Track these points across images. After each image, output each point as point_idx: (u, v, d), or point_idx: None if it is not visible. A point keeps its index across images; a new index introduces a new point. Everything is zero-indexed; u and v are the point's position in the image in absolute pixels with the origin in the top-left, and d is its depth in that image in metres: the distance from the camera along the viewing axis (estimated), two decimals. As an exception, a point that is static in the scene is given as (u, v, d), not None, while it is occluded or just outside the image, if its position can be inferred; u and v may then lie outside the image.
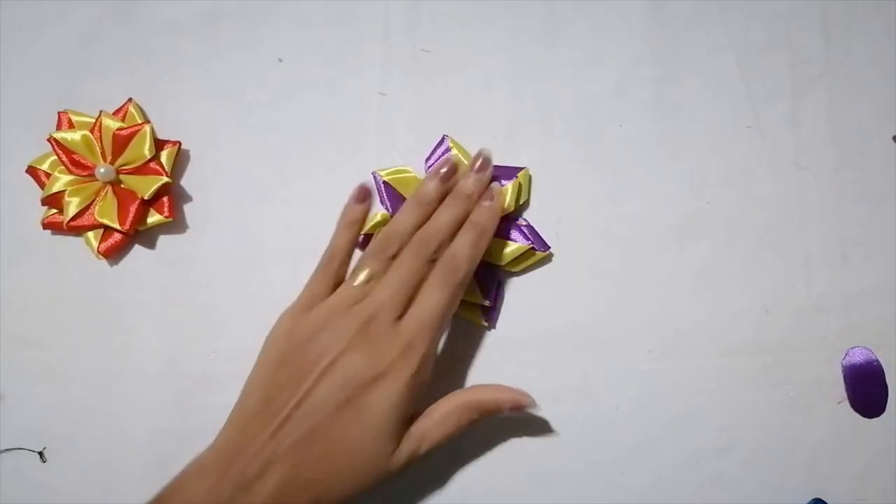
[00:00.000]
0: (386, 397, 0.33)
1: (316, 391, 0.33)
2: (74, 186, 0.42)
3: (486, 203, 0.38)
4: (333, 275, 0.37)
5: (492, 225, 0.38)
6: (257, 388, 0.35)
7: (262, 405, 0.34)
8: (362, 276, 0.36)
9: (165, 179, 0.41)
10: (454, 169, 0.39)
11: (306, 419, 0.33)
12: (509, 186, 0.41)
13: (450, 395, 0.37)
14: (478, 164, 0.39)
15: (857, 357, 0.41)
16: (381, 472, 0.33)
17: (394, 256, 0.36)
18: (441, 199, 0.38)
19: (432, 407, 0.36)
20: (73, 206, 0.41)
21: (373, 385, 0.33)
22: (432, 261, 0.36)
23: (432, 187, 0.38)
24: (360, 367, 0.33)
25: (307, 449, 0.32)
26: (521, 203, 0.41)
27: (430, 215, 0.38)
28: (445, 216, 0.37)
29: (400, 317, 0.35)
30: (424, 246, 0.36)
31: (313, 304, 0.36)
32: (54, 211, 0.42)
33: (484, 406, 0.37)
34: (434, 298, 0.35)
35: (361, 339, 0.34)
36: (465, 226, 0.38)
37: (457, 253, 0.36)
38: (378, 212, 0.42)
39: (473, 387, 0.38)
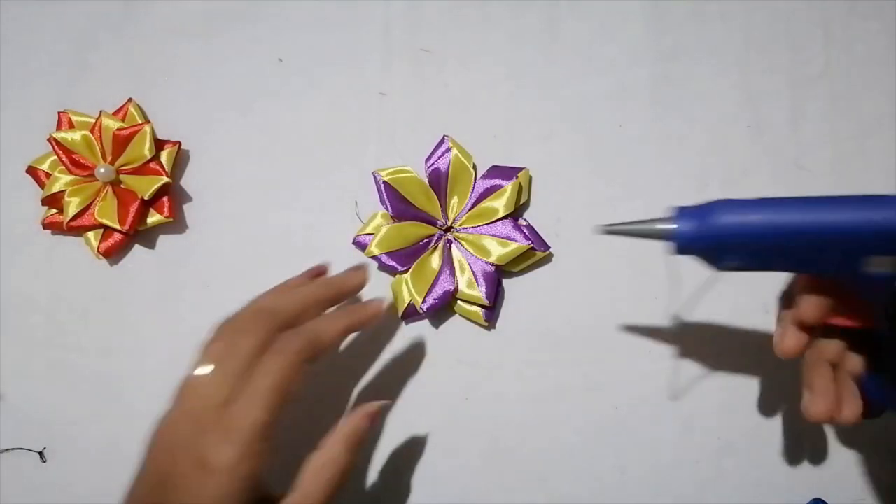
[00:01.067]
0: (207, 494, 0.29)
1: (152, 495, 0.31)
2: (74, 186, 0.42)
3: (374, 303, 0.36)
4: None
5: (362, 320, 0.35)
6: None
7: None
8: (202, 369, 0.32)
9: (165, 179, 0.41)
10: (322, 271, 0.38)
11: None
12: (509, 186, 0.41)
13: (309, 457, 0.32)
14: (352, 267, 0.38)
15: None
16: None
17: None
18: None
19: (299, 476, 0.31)
20: (73, 206, 0.41)
21: (197, 483, 0.29)
22: (266, 329, 0.32)
23: (293, 277, 0.37)
24: (180, 464, 0.30)
25: None
26: (521, 203, 0.41)
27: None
28: (294, 292, 0.35)
29: (232, 390, 0.31)
30: (257, 316, 0.33)
31: None
32: (54, 211, 0.42)
33: (343, 447, 0.32)
34: (264, 372, 0.31)
35: (190, 432, 0.30)
36: (335, 311, 0.36)
37: (307, 326, 0.33)
38: (378, 211, 0.42)
39: (324, 439, 0.33)
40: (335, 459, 0.32)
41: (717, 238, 0.28)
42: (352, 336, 0.41)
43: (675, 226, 0.28)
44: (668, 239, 0.28)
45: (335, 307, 0.36)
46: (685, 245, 0.28)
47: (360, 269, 0.38)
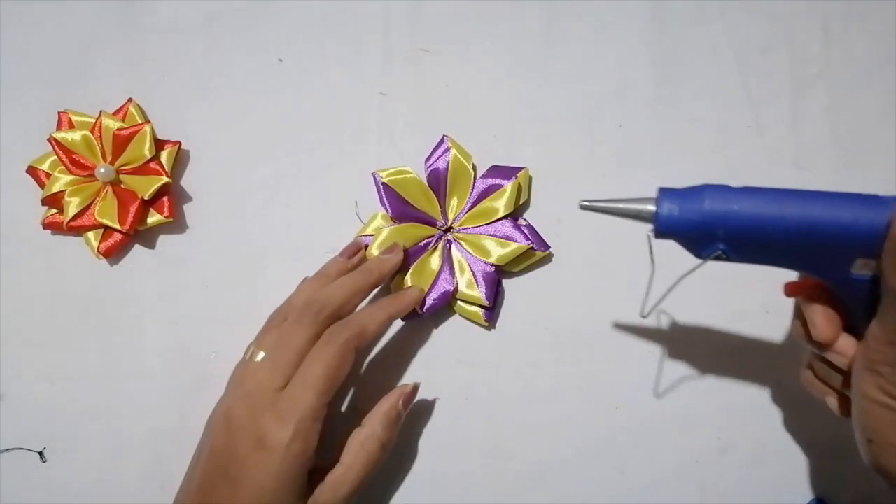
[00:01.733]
0: (267, 471, 0.33)
1: (211, 472, 0.34)
2: (74, 186, 0.42)
3: (411, 290, 0.39)
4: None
5: (402, 308, 0.39)
6: (189, 470, 0.36)
7: (182, 494, 0.35)
8: (258, 356, 0.36)
9: (165, 179, 0.41)
10: (358, 248, 0.40)
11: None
12: (509, 186, 0.41)
13: (352, 434, 0.36)
14: (386, 247, 0.40)
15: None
16: None
17: None
18: (342, 274, 0.39)
19: (343, 452, 0.36)
20: (73, 206, 0.41)
21: (253, 458, 0.33)
22: (317, 323, 0.36)
23: (332, 261, 0.40)
24: (239, 443, 0.33)
25: None
26: (521, 203, 0.41)
27: None
28: (339, 283, 0.38)
29: (286, 379, 0.34)
30: (306, 307, 0.36)
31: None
32: (54, 211, 0.42)
33: (381, 425, 0.36)
34: (315, 360, 0.34)
35: (242, 415, 0.34)
36: (377, 301, 0.38)
37: (354, 318, 0.36)
38: (378, 212, 0.42)
39: (366, 417, 0.37)
40: (374, 436, 0.36)
41: (699, 224, 0.27)
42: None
43: (656, 208, 0.27)
44: (648, 220, 0.27)
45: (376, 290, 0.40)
46: (665, 228, 0.27)
47: (393, 250, 0.40)
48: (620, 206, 0.28)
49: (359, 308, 0.38)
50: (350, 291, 0.37)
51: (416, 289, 0.40)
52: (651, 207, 0.27)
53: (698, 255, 0.28)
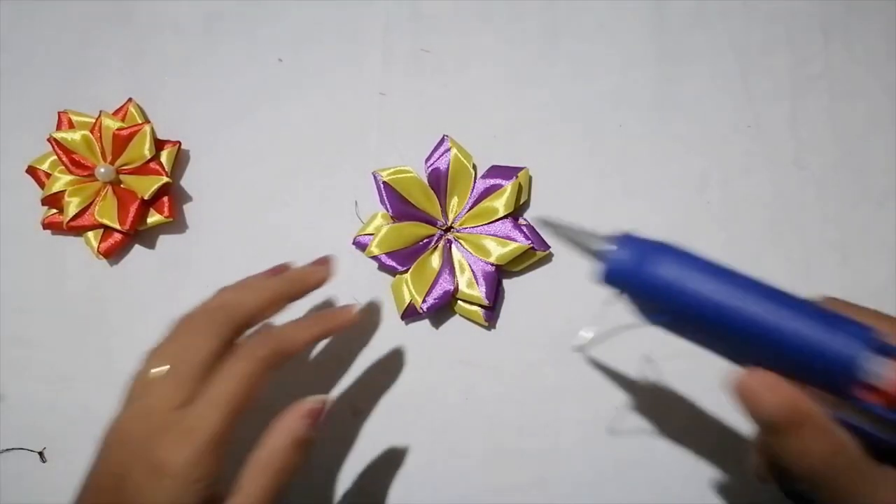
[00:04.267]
0: (160, 499, 0.28)
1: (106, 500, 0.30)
2: (74, 186, 0.42)
3: (346, 310, 0.36)
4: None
5: (331, 328, 0.35)
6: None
7: None
8: (157, 367, 0.31)
9: (165, 179, 0.41)
10: (284, 269, 0.37)
11: None
12: (509, 186, 0.41)
13: (250, 456, 0.31)
14: (317, 259, 0.37)
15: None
16: None
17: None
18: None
19: (241, 476, 0.30)
20: (73, 206, 0.41)
21: (150, 486, 0.29)
22: (224, 329, 0.32)
23: (256, 275, 0.36)
24: (135, 469, 0.29)
25: None
26: (521, 203, 0.41)
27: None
28: (253, 288, 0.34)
29: (191, 392, 0.30)
30: (215, 314, 0.32)
31: None
32: (54, 211, 0.42)
33: (284, 443, 0.30)
34: (225, 377, 0.30)
35: (145, 435, 0.30)
36: (305, 317, 0.35)
37: (275, 332, 0.32)
38: (378, 212, 0.42)
39: (265, 435, 0.31)
40: (277, 458, 0.30)
41: (644, 285, 0.24)
42: (351, 336, 0.41)
43: (608, 249, 0.24)
44: (598, 260, 0.25)
45: (311, 312, 0.36)
46: (612, 277, 0.24)
47: (324, 262, 0.37)
48: (574, 235, 0.25)
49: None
50: (264, 299, 0.33)
51: (349, 308, 0.36)
52: (604, 248, 0.25)
53: (646, 318, 0.25)
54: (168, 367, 0.31)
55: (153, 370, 0.31)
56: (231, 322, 0.32)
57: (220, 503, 0.29)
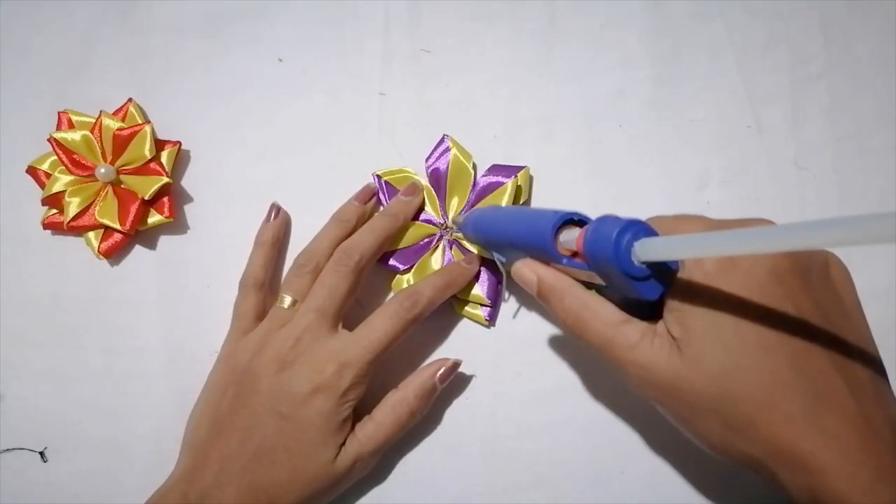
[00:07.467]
0: (319, 411, 0.35)
1: (259, 410, 0.35)
2: (75, 187, 0.42)
3: (464, 264, 0.40)
4: (254, 295, 0.39)
5: (461, 280, 0.39)
6: (205, 415, 0.37)
7: (211, 431, 0.36)
8: (287, 300, 0.38)
9: (165, 179, 0.41)
10: (372, 192, 0.41)
11: (251, 439, 0.35)
12: (509, 186, 0.41)
13: (387, 395, 0.38)
14: (405, 188, 0.41)
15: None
16: (327, 475, 0.36)
17: (314, 272, 0.38)
18: (361, 219, 0.40)
19: (376, 409, 0.37)
20: (73, 206, 0.41)
21: (309, 399, 0.35)
22: (357, 271, 0.37)
23: (348, 206, 0.41)
24: (294, 383, 0.35)
25: (257, 464, 0.35)
26: (521, 202, 0.41)
27: (351, 233, 0.39)
28: (368, 229, 0.39)
29: (334, 327, 0.37)
30: (345, 256, 0.37)
31: (247, 328, 0.38)
32: (54, 211, 0.42)
33: (414, 393, 0.37)
34: (381, 328, 0.36)
35: (294, 357, 0.36)
36: (439, 271, 0.39)
37: (420, 289, 0.38)
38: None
39: (404, 382, 0.38)
40: (405, 401, 0.37)
41: (467, 227, 0.38)
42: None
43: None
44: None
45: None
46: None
47: (414, 191, 0.41)
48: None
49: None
50: (380, 237, 0.39)
51: (473, 256, 0.40)
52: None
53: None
54: (305, 300, 0.37)
55: (283, 304, 0.38)
56: (360, 264, 0.38)
57: (354, 424, 0.37)
